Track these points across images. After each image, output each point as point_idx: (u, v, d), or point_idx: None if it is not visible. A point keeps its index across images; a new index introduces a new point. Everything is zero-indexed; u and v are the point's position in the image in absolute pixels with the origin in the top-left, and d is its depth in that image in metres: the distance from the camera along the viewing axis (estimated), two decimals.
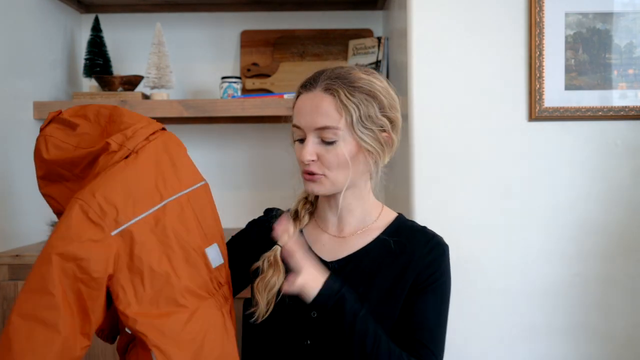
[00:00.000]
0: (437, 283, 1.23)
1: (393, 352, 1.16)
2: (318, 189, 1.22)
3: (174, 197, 1.11)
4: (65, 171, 1.16)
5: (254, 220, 1.37)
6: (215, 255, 1.15)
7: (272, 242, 1.27)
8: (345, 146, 1.18)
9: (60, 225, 1.03)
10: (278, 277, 1.22)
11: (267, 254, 1.26)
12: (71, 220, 1.02)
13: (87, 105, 1.22)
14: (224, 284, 1.17)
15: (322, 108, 1.18)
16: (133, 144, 1.11)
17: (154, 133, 1.16)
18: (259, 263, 1.26)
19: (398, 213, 1.33)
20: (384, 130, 1.23)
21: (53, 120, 1.20)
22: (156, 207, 1.09)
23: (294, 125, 1.22)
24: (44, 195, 1.21)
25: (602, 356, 1.64)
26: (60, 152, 1.15)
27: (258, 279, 1.24)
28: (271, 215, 1.34)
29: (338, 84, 1.19)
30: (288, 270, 1.22)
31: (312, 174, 1.21)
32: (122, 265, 1.04)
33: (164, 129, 1.21)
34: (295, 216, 1.31)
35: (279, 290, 1.22)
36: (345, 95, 1.18)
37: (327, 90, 1.19)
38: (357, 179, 1.24)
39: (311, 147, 1.19)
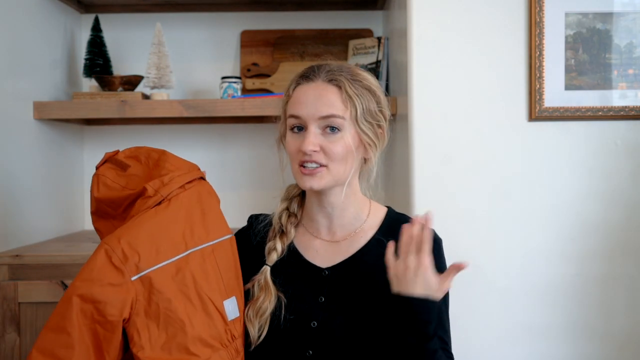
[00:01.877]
0: None
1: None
2: (317, 183, 1.17)
3: (198, 247, 1.15)
4: (111, 209, 1.20)
5: (238, 232, 1.33)
6: (233, 308, 1.16)
7: (260, 257, 1.24)
8: (349, 137, 1.17)
9: (85, 267, 1.07)
10: (270, 301, 1.18)
11: (256, 277, 1.22)
12: (95, 264, 1.06)
13: (141, 147, 1.26)
14: (238, 337, 1.17)
15: (327, 98, 1.16)
16: (167, 191, 1.15)
17: (191, 182, 1.19)
18: (249, 286, 1.22)
19: (387, 207, 1.31)
20: (380, 126, 1.22)
21: (108, 160, 1.24)
22: (179, 256, 1.12)
23: (292, 116, 1.19)
24: (95, 228, 1.25)
25: (601, 356, 1.64)
26: (108, 191, 1.19)
27: (248, 306, 1.20)
28: (256, 223, 1.31)
29: (341, 75, 1.18)
30: (282, 285, 1.20)
31: (312, 167, 1.16)
32: (139, 310, 1.07)
33: (202, 178, 1.23)
34: (282, 232, 1.26)
35: (272, 314, 1.19)
36: (350, 87, 1.17)
37: (331, 81, 1.17)
38: (352, 176, 1.22)
39: (314, 137, 1.16)
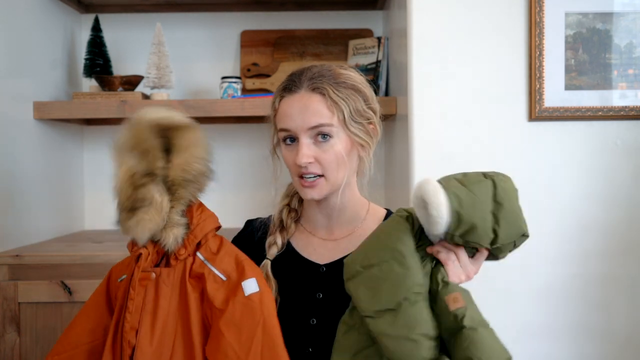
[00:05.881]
0: None
1: None
2: (318, 194, 1.18)
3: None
4: None
5: (236, 237, 1.33)
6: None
7: (261, 253, 1.24)
8: (340, 143, 1.16)
9: None
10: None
11: None
12: None
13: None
14: None
15: (313, 107, 1.16)
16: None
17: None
18: None
19: (386, 209, 1.30)
20: (370, 122, 1.21)
21: None
22: None
23: (281, 129, 1.19)
24: None
25: (602, 356, 1.64)
26: None
27: None
28: (253, 227, 1.31)
29: (323, 81, 1.17)
30: (280, 284, 1.20)
31: (310, 178, 1.17)
32: None
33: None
34: (282, 227, 1.27)
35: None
36: (334, 92, 1.16)
37: (314, 89, 1.16)
38: (350, 176, 1.22)
39: (306, 149, 1.16)
